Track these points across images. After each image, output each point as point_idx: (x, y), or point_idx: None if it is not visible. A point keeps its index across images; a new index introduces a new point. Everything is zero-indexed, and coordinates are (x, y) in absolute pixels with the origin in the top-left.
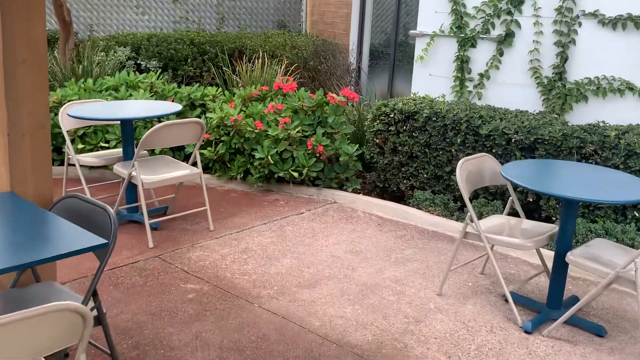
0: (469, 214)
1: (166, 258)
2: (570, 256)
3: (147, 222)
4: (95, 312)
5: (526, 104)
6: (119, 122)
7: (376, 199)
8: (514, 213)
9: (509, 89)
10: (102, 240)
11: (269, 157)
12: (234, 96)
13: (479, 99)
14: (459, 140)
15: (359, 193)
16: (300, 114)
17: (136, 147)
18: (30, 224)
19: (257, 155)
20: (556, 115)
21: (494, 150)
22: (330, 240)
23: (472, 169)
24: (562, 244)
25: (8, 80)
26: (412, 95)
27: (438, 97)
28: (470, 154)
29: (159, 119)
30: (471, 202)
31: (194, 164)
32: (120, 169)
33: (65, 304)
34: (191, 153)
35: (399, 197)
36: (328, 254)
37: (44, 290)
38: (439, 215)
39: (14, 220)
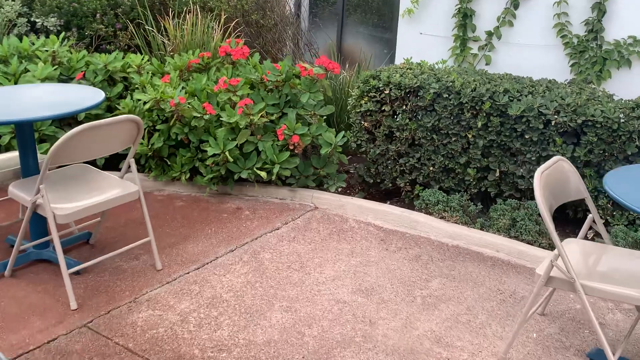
0: (555, 251)
1: (99, 328)
2: None
3: (65, 272)
4: None
5: (549, 71)
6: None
7: (371, 202)
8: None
9: (527, 52)
10: None
11: (227, 152)
12: (166, 66)
13: (487, 64)
14: (479, 124)
15: (338, 191)
16: (261, 90)
17: (39, 156)
18: None
19: (210, 150)
20: (594, 86)
21: (526, 137)
22: (326, 273)
23: (552, 181)
24: None
25: None
26: (404, 60)
27: (437, 64)
28: (493, 141)
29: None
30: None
31: (128, 173)
32: (18, 192)
33: None
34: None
35: (392, 194)
36: (330, 298)
37: None
38: (456, 223)
39: None
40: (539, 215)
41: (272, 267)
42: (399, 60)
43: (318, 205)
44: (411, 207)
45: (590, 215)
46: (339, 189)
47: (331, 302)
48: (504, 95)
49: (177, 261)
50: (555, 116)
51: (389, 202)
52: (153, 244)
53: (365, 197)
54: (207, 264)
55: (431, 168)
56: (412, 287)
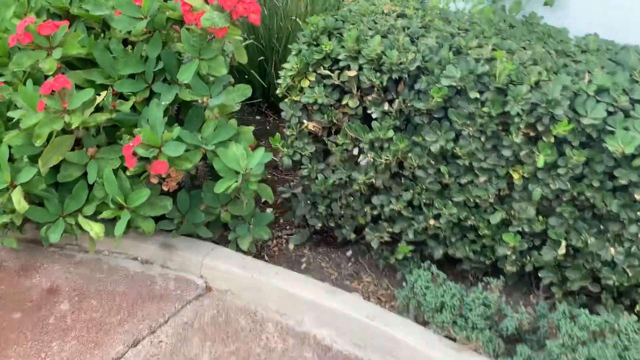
0: None
1: None
2: None
3: None
4: None
5: None
6: None
7: (311, 286)
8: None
9: None
10: None
11: (18, 190)
12: None
13: (548, 5)
14: (541, 160)
15: (249, 251)
16: (114, 43)
17: None
18: None
19: None
20: None
21: (636, 196)
22: None
23: None
24: None
25: None
26: None
27: (455, 1)
28: (564, 192)
29: None
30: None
31: None
32: None
33: None
34: None
35: (353, 242)
36: None
37: None
38: (477, 352)
39: None
40: None
41: None
42: None
43: (212, 282)
44: (391, 275)
45: None
46: (255, 247)
47: None
48: (596, 101)
49: None
50: None
51: (350, 254)
52: None
53: (305, 243)
54: None
55: (432, 221)
56: None
